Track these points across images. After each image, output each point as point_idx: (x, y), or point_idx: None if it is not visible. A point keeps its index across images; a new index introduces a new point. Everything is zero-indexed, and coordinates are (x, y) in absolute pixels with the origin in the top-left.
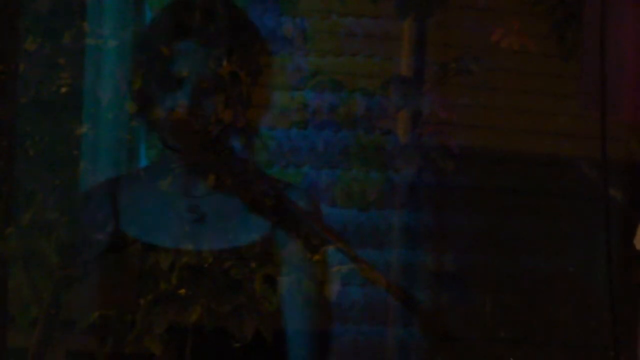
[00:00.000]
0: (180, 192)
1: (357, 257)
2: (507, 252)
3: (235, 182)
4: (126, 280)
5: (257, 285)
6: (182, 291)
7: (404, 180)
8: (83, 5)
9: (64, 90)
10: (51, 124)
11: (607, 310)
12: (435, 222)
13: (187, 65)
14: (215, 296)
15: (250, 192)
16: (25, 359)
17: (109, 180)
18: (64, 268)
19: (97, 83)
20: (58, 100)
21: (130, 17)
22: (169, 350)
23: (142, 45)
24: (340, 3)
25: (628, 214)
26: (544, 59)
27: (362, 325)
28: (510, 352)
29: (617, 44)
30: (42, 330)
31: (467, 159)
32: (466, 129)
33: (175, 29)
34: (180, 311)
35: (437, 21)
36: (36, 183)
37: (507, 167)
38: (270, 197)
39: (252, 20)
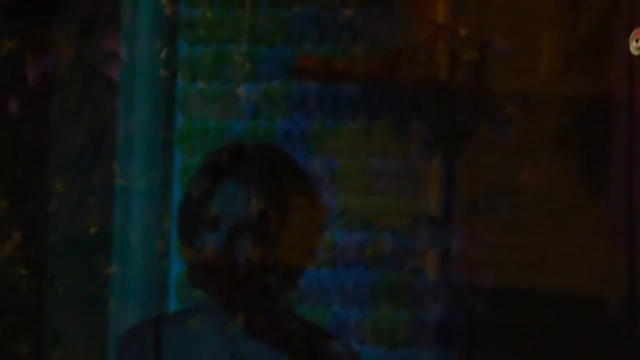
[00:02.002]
0: (220, 334)
1: None
2: None
3: (265, 322)
4: None
5: None
6: None
7: (433, 318)
8: (112, 145)
9: (93, 229)
10: (81, 263)
11: None
12: None
13: (216, 205)
14: None
15: (279, 332)
16: None
17: (149, 321)
18: None
19: (126, 223)
20: (88, 239)
21: (159, 157)
22: None
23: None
24: (368, 143)
25: None
26: (571, 197)
27: None
28: None
29: None
30: None
31: (496, 297)
32: (495, 267)
33: (204, 169)
34: None
35: (465, 159)
36: (66, 323)
37: (535, 305)
38: (300, 337)
39: (284, 159)
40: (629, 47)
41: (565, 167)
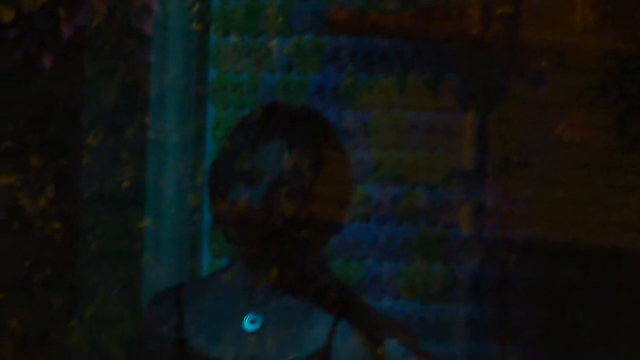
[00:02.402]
0: (243, 302)
1: (420, 351)
2: (570, 345)
3: (298, 276)
4: None
5: None
6: None
7: (467, 273)
8: (146, 99)
9: (126, 184)
10: (114, 217)
11: None
12: (499, 315)
13: (251, 161)
14: None
15: (313, 286)
16: None
17: (173, 289)
18: None
19: (159, 177)
20: (121, 194)
21: (192, 111)
22: None
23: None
24: (402, 96)
25: None
26: (606, 151)
27: None
28: None
29: None
30: None
31: (530, 251)
32: (528, 221)
33: (241, 125)
34: None
35: (499, 114)
36: (99, 276)
37: (569, 259)
38: (333, 291)
39: (315, 113)
40: None
41: (600, 122)
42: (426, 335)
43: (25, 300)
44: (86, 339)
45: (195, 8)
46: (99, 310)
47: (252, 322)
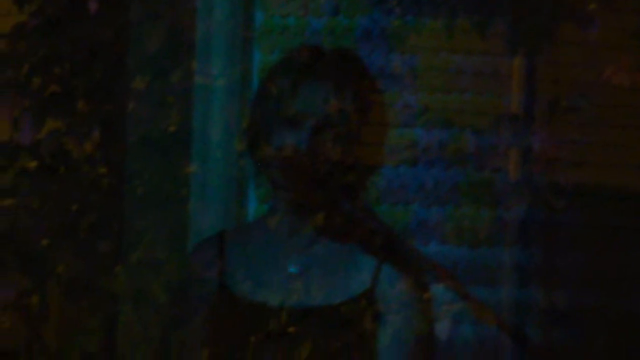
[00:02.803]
0: (287, 246)
1: (467, 295)
2: (618, 289)
3: (344, 221)
4: (236, 319)
5: (367, 323)
6: (292, 329)
7: (515, 217)
8: (192, 44)
9: (172, 128)
10: (160, 163)
11: None
12: (546, 260)
13: (296, 104)
14: (324, 334)
15: (359, 230)
16: None
17: (216, 236)
18: (173, 307)
19: (206, 121)
20: (167, 138)
21: (238, 56)
22: None
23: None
24: (450, 40)
25: None
26: None
27: None
28: None
29: None
30: None
31: (578, 195)
32: (577, 165)
33: (284, 67)
34: (289, 349)
35: (547, 58)
36: (145, 222)
37: (618, 203)
38: (379, 235)
39: (361, 57)
40: None
41: None
42: (473, 280)
43: (72, 245)
44: (132, 285)
45: None
46: (145, 256)
47: (297, 265)
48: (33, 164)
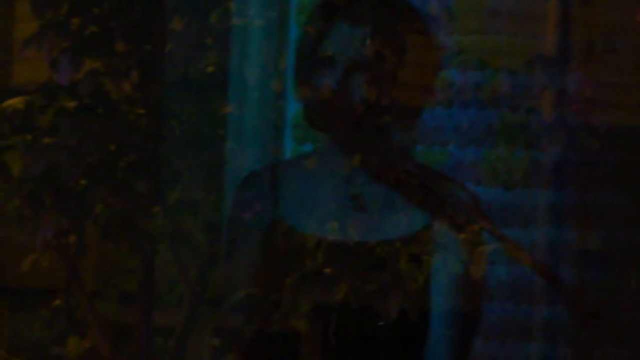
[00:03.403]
0: (341, 180)
1: (502, 236)
2: None
3: (380, 162)
4: (272, 259)
5: (402, 264)
6: (328, 270)
7: (549, 158)
8: None
9: (210, 69)
10: (197, 104)
11: None
12: (580, 200)
13: (332, 45)
14: (360, 275)
15: (394, 172)
16: (172, 337)
17: (268, 167)
18: (210, 247)
19: (243, 63)
20: (204, 79)
21: None
22: (314, 328)
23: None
24: None
25: None
26: None
27: (508, 303)
28: None
29: None
30: (189, 308)
31: (612, 137)
32: (611, 107)
33: (319, 8)
34: (325, 290)
35: None
36: (183, 162)
37: None
38: (415, 176)
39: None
40: None
41: None
42: (508, 221)
43: (110, 185)
44: (170, 224)
45: None
46: (183, 196)
47: (354, 200)
48: (72, 104)
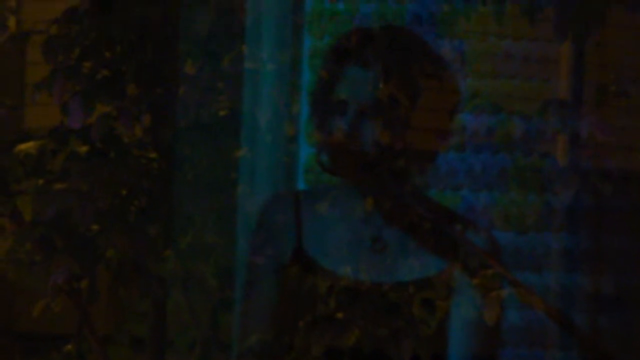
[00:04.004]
0: (362, 217)
1: (515, 281)
2: None
3: (394, 205)
4: (284, 304)
5: (415, 309)
6: (340, 314)
7: (563, 203)
8: (242, 29)
9: (222, 113)
10: (210, 147)
11: None
12: (594, 245)
13: (345, 89)
14: (373, 319)
15: (407, 215)
16: None
17: (291, 192)
18: (222, 291)
19: (255, 106)
20: (217, 123)
21: (288, 40)
22: None
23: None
24: (498, 25)
25: None
26: None
27: (521, 348)
28: None
29: None
30: (201, 353)
31: (626, 181)
32: (625, 151)
33: (334, 52)
34: (337, 334)
35: (596, 42)
36: (195, 206)
37: None
38: (428, 220)
39: (414, 40)
40: None
41: None
42: (521, 265)
43: (122, 229)
44: (181, 269)
45: None
46: (194, 240)
47: (374, 240)
48: (83, 149)
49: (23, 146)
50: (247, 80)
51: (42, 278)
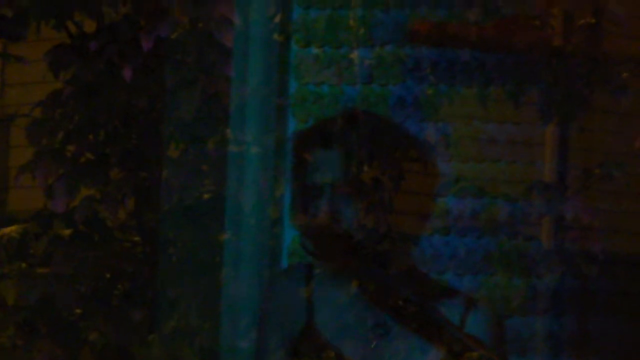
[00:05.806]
0: (364, 301)
1: None
2: None
3: (377, 289)
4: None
5: None
6: None
7: (548, 286)
8: (226, 112)
9: (206, 196)
10: (194, 231)
11: None
12: (579, 328)
13: (328, 172)
14: None
15: (391, 299)
16: None
17: (305, 266)
18: None
19: (239, 189)
20: (201, 206)
21: (272, 124)
22: None
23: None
24: (482, 108)
25: None
26: None
27: None
28: None
29: None
30: None
31: (611, 264)
32: (609, 234)
33: (316, 136)
34: None
35: (580, 126)
36: (179, 290)
37: None
38: (412, 304)
39: (396, 125)
40: None
41: None
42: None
43: (105, 313)
44: (166, 353)
45: (277, 19)
46: (179, 324)
47: (378, 325)
48: (67, 232)
49: (6, 230)
50: (231, 164)
51: None
